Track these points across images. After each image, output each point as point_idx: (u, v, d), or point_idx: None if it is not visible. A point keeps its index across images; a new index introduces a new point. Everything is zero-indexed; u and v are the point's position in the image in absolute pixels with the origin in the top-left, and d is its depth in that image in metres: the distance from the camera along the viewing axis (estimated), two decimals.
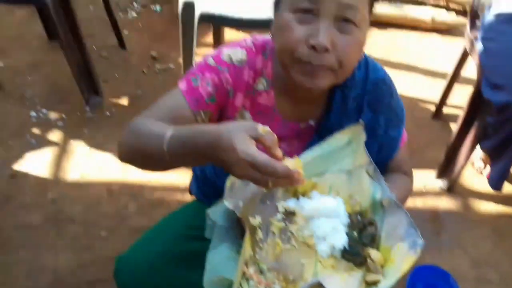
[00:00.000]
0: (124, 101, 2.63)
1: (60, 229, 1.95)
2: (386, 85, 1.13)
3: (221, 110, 1.11)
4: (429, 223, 2.11)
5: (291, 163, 0.81)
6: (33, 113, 2.49)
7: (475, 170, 2.34)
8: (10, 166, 2.20)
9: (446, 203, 2.19)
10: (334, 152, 1.07)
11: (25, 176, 2.16)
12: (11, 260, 1.83)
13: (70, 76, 2.50)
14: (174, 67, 2.89)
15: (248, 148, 0.76)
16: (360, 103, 1.12)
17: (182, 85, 1.06)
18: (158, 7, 3.42)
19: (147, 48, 3.02)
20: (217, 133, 0.79)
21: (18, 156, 2.25)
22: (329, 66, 0.94)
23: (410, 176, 1.25)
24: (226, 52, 1.08)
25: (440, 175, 2.26)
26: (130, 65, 2.89)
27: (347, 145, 1.07)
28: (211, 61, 1.07)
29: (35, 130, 2.40)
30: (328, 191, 1.07)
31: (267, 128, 0.80)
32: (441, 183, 2.25)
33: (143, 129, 0.96)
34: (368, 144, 1.10)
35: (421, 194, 2.23)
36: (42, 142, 2.34)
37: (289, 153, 1.14)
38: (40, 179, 2.15)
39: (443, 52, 3.21)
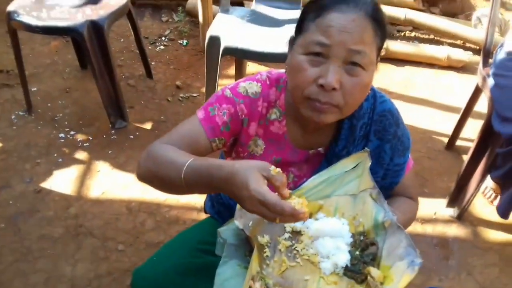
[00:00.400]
0: (147, 125, 2.75)
1: (79, 241, 2.04)
2: (392, 115, 1.20)
3: (235, 137, 1.20)
4: (438, 248, 2.12)
5: (298, 202, 0.88)
6: (61, 135, 2.63)
7: (485, 200, 2.36)
8: (36, 182, 2.32)
9: (455, 230, 2.21)
10: (340, 177, 1.14)
11: (50, 191, 2.27)
12: (31, 269, 1.91)
13: (99, 101, 2.66)
14: (197, 96, 3.02)
15: (260, 187, 0.84)
16: (367, 132, 1.19)
17: (200, 113, 1.15)
18: (185, 41, 3.60)
19: (172, 78, 3.18)
20: (232, 170, 0.88)
21: (45, 173, 2.38)
22: (335, 104, 1.02)
23: (415, 200, 1.30)
24: (243, 85, 1.17)
25: (451, 203, 2.29)
26: (155, 93, 3.03)
27: (353, 170, 1.14)
28: (228, 93, 1.16)
29: (62, 150, 2.53)
30: (334, 212, 1.13)
31: (278, 169, 0.88)
32: (451, 211, 2.28)
33: (163, 154, 1.04)
34: (374, 170, 1.17)
35: (431, 221, 2.25)
36: (68, 161, 2.46)
37: (299, 177, 1.24)
38: (64, 195, 2.26)
39: (458, 88, 3.28)
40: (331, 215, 1.13)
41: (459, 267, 2.04)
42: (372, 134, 1.19)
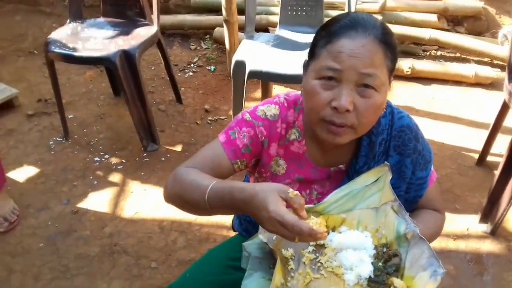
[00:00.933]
0: (178, 148, 2.83)
1: (114, 260, 2.10)
2: (411, 130, 1.21)
3: (257, 158, 1.24)
4: (472, 264, 2.09)
5: (316, 222, 0.91)
6: (96, 158, 2.73)
7: None
8: (73, 203, 2.41)
9: (489, 246, 2.17)
10: (362, 191, 1.16)
11: (86, 212, 2.36)
12: (69, 286, 1.97)
13: (131, 126, 2.76)
14: (225, 119, 3.10)
15: (278, 209, 0.88)
16: (387, 147, 1.21)
17: (222, 137, 1.20)
18: (212, 67, 3.72)
19: (201, 102, 3.28)
20: (253, 192, 0.92)
21: (81, 194, 2.47)
22: (350, 125, 1.06)
23: (441, 212, 1.30)
24: (261, 108, 1.22)
25: (483, 219, 2.25)
26: (185, 117, 3.12)
27: (374, 184, 1.16)
28: (247, 116, 1.20)
29: (97, 173, 2.62)
30: (356, 225, 1.15)
31: (296, 192, 0.92)
32: (484, 227, 2.24)
33: (187, 178, 1.09)
34: (397, 185, 1.19)
35: (464, 237, 2.22)
36: (103, 183, 2.55)
37: (322, 194, 1.26)
38: (99, 215, 2.34)
39: (486, 105, 3.26)
40: (354, 228, 1.14)
41: (494, 283, 2.00)
42: (392, 150, 1.21)
